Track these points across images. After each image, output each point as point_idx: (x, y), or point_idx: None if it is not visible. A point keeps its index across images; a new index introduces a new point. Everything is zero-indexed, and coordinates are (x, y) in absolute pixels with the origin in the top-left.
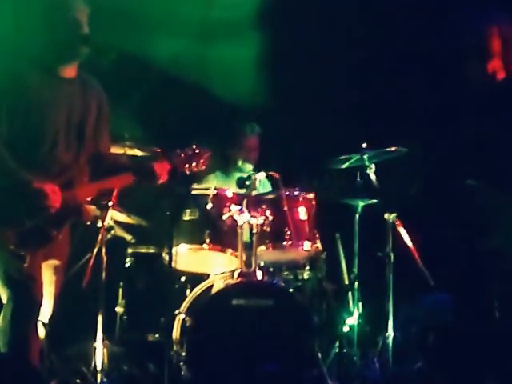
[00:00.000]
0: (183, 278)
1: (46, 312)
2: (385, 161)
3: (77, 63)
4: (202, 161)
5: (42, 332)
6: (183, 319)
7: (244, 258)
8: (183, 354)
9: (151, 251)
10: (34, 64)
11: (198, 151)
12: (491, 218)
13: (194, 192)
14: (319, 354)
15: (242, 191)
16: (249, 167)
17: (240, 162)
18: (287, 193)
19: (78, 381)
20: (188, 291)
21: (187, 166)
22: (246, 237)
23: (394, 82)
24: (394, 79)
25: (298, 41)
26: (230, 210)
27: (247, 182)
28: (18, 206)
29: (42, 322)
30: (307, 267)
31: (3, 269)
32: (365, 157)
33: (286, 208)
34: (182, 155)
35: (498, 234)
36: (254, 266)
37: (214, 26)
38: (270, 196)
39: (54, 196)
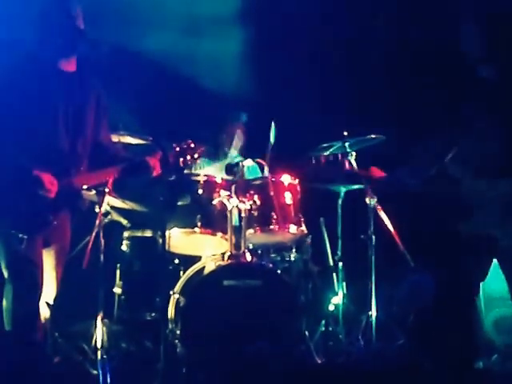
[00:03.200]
0: (177, 260)
1: (50, 293)
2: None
3: (74, 57)
4: (196, 155)
5: (46, 312)
6: (177, 299)
7: (233, 241)
8: (178, 331)
9: (146, 235)
10: (32, 58)
11: (192, 146)
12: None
13: (185, 179)
14: (306, 332)
15: (231, 177)
16: (236, 154)
17: (228, 150)
18: (273, 179)
19: (79, 357)
20: (181, 272)
21: (182, 159)
22: (235, 221)
23: (378, 72)
24: (379, 69)
25: (281, 33)
26: (219, 196)
27: (235, 169)
28: (17, 191)
29: (47, 303)
30: (293, 249)
31: (4, 251)
32: (346, 144)
33: (272, 193)
34: (178, 149)
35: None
36: (243, 249)
37: (201, 20)
38: (257, 182)
39: (49, 185)
